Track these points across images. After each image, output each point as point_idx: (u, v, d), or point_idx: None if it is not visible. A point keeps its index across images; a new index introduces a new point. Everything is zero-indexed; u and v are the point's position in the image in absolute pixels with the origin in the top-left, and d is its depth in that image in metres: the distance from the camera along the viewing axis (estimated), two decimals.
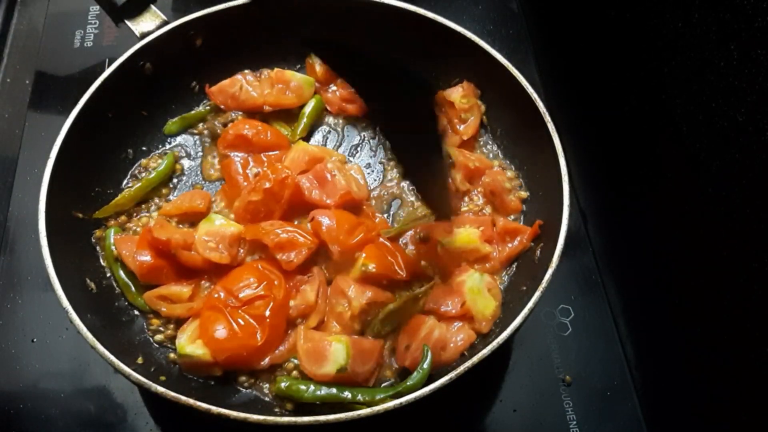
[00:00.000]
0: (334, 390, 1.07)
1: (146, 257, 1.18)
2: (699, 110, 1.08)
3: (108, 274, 1.24)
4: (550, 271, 1.09)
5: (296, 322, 1.18)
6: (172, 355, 1.17)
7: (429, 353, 1.08)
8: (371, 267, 1.17)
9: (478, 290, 1.17)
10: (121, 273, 1.22)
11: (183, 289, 1.18)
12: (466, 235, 1.24)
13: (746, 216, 0.98)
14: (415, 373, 1.07)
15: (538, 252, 1.21)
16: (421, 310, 1.17)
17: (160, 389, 0.98)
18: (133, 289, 1.21)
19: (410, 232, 1.29)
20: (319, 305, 1.18)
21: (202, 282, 1.22)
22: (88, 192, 1.30)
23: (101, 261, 1.25)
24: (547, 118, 1.24)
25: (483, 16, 1.79)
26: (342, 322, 1.17)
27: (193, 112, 1.46)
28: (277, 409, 1.11)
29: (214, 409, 0.96)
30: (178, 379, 1.14)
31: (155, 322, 1.20)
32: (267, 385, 1.15)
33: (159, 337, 1.19)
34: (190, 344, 1.12)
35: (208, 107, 1.47)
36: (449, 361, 1.11)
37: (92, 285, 1.20)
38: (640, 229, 1.34)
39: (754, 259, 0.97)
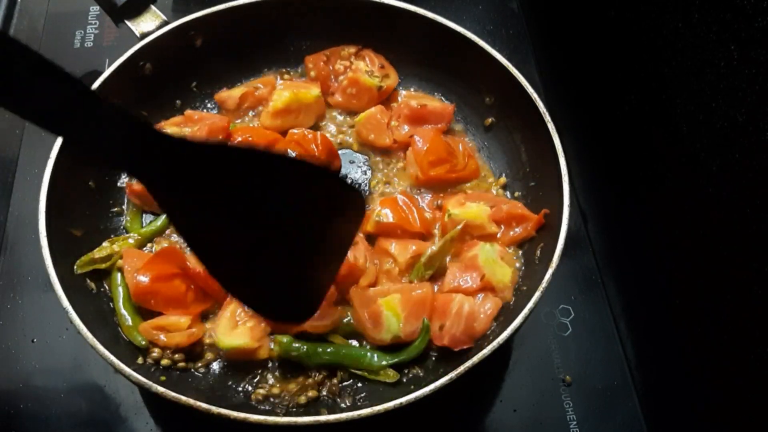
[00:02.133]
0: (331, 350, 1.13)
1: (145, 278, 1.15)
2: (699, 110, 1.08)
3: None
4: (550, 272, 1.09)
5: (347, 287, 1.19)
6: (176, 356, 1.16)
7: (428, 324, 1.13)
8: (384, 216, 1.21)
9: (492, 260, 1.20)
10: (121, 306, 1.18)
11: (181, 319, 1.15)
12: (477, 210, 1.25)
13: (746, 216, 0.98)
14: (416, 341, 1.14)
15: (538, 252, 1.21)
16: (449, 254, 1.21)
17: (160, 389, 0.98)
18: (129, 322, 1.16)
19: (429, 197, 1.33)
20: (369, 268, 1.21)
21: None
22: (88, 192, 1.30)
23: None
24: (547, 118, 1.24)
25: (483, 16, 1.79)
26: (391, 278, 1.22)
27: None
28: (278, 410, 1.11)
29: (215, 409, 0.96)
30: (178, 379, 1.14)
31: (157, 351, 1.15)
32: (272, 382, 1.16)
33: (165, 361, 1.15)
34: (227, 336, 1.13)
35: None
36: (483, 330, 1.14)
37: (92, 285, 1.20)
38: (640, 229, 1.34)
39: (754, 259, 0.97)
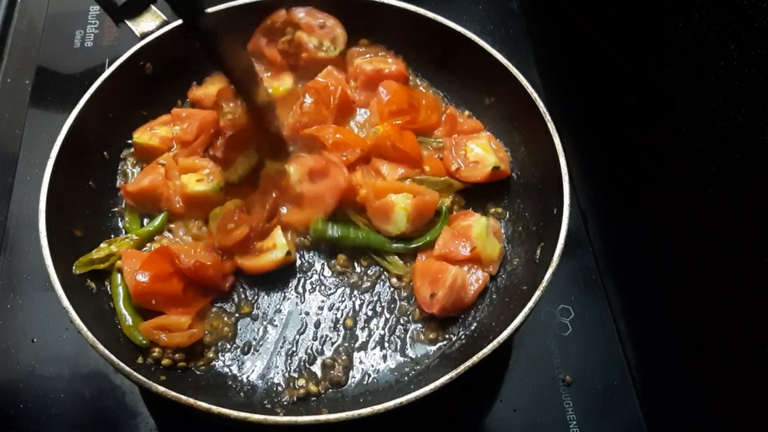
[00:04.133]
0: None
1: (144, 278, 1.15)
2: (699, 110, 1.08)
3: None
4: (550, 271, 1.09)
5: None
6: (177, 355, 1.16)
7: (446, 210, 1.29)
8: (383, 128, 1.32)
9: (485, 234, 1.24)
10: (121, 306, 1.18)
11: (182, 319, 1.16)
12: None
13: (746, 216, 0.98)
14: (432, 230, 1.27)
15: (538, 252, 1.21)
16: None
17: (161, 389, 0.98)
18: (129, 321, 1.16)
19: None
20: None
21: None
22: (88, 192, 1.30)
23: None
24: (548, 118, 1.24)
25: (483, 16, 1.79)
26: None
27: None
28: (278, 409, 1.11)
29: (215, 408, 0.96)
30: (178, 379, 1.14)
31: (158, 351, 1.15)
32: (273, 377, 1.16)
33: (166, 361, 1.15)
34: (282, 248, 1.21)
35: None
36: (469, 303, 1.22)
37: (92, 285, 1.20)
38: (640, 229, 1.34)
39: (754, 259, 0.97)
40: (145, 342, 1.14)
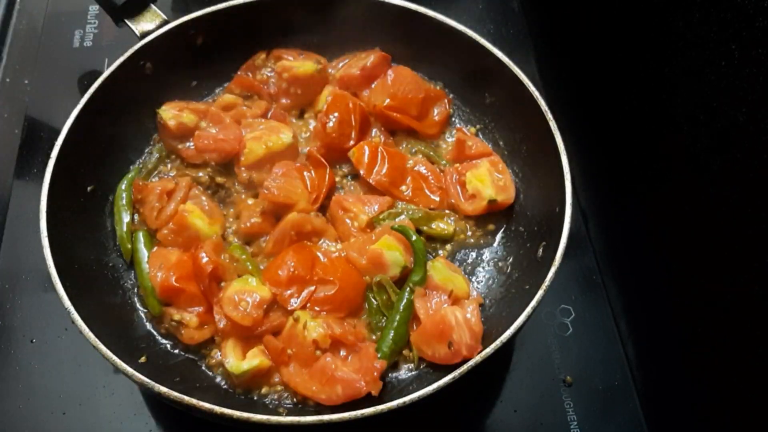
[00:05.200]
0: None
1: (172, 278, 1.17)
2: (699, 110, 1.08)
3: (110, 275, 1.25)
4: (552, 270, 1.09)
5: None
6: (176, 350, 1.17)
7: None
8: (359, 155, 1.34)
9: (447, 275, 1.20)
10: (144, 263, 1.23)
11: (193, 318, 1.17)
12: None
13: (746, 216, 0.99)
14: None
15: (540, 251, 1.21)
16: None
17: (164, 389, 0.98)
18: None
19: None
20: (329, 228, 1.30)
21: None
22: (88, 192, 1.30)
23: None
24: (549, 116, 1.24)
25: (484, 15, 1.79)
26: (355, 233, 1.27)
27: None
28: (281, 410, 1.11)
29: (218, 408, 0.96)
30: (180, 379, 1.13)
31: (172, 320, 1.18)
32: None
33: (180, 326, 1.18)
34: (241, 361, 1.12)
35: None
36: (482, 330, 1.12)
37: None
38: (640, 229, 1.34)
39: (754, 259, 0.97)
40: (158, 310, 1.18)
